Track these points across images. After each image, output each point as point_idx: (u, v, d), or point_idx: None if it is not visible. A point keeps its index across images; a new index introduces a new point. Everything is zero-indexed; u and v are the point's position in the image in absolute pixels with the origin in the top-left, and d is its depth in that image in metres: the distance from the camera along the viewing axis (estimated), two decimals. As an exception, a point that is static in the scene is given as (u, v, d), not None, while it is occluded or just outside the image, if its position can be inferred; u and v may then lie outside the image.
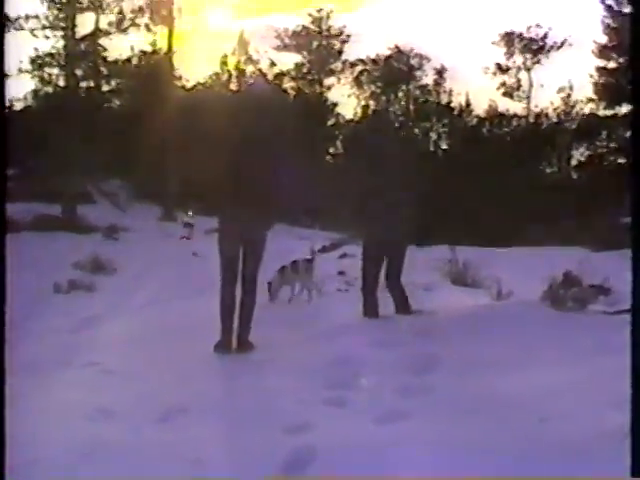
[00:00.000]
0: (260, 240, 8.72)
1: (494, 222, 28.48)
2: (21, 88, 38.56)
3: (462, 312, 9.32)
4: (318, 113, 42.44)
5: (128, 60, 35.86)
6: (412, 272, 11.82)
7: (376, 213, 9.30)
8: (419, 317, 9.17)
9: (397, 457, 4.79)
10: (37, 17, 28.53)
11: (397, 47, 46.71)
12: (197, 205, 27.87)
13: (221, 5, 42.30)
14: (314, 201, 25.98)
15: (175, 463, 5.01)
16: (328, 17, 47.40)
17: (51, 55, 30.96)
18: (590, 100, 42.85)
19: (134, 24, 30.31)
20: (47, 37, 29.30)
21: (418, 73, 46.79)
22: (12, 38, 28.51)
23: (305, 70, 46.55)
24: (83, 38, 29.49)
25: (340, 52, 47.68)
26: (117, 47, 32.98)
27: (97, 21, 30.19)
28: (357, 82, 47.39)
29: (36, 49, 31.23)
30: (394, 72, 46.26)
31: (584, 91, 43.48)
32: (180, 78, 37.82)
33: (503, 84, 45.83)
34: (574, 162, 42.24)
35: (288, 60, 46.50)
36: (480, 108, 44.09)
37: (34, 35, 29.03)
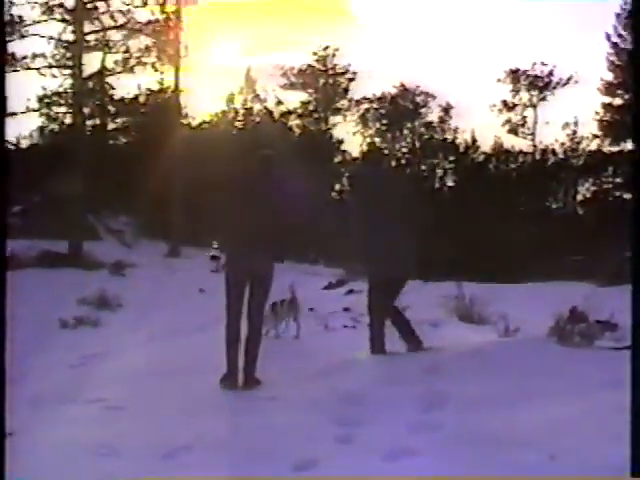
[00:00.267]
0: (268, 276, 8.71)
1: (500, 258, 28.43)
2: (28, 126, 38.89)
3: (469, 348, 9.27)
4: (324, 150, 42.56)
5: (135, 98, 36.05)
6: (419, 308, 11.81)
7: (379, 249, 9.29)
8: (426, 354, 9.14)
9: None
10: (44, 56, 28.71)
11: (403, 85, 46.92)
12: (202, 241, 28.00)
13: (227, 43, 42.59)
14: (319, 237, 25.99)
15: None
16: (334, 55, 47.65)
17: (58, 94, 31.15)
18: (595, 136, 43.00)
19: (141, 63, 30.42)
20: (54, 76, 29.47)
21: (423, 110, 46.93)
22: (19, 77, 28.76)
23: (311, 108, 46.71)
24: (90, 77, 29.66)
25: (346, 90, 47.87)
26: (124, 85, 33.24)
27: (104, 60, 30.42)
28: (363, 120, 47.55)
29: (44, 87, 31.49)
30: (400, 110, 46.42)
31: (589, 127, 43.66)
32: (187, 116, 37.97)
33: (508, 121, 45.92)
34: (580, 197, 42.27)
35: (294, 98, 46.75)
36: (486, 145, 44.20)
37: (41, 74, 29.20)
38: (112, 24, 29.21)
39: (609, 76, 41.30)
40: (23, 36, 27.90)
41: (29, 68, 28.63)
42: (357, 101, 47.67)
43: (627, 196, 35.19)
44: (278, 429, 6.48)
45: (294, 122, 44.79)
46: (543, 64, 45.29)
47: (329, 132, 46.07)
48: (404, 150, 45.97)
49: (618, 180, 38.94)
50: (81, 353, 11.81)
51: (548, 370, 7.59)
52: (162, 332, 13.63)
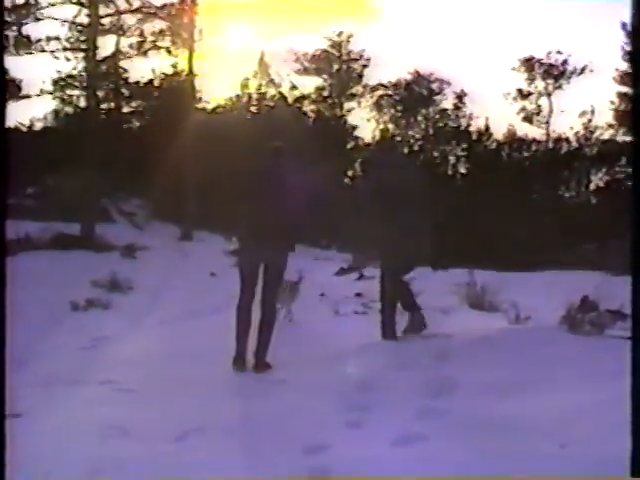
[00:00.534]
0: (281, 263, 8.74)
1: (512, 246, 28.38)
2: (42, 109, 38.94)
3: (479, 335, 9.27)
4: (338, 136, 42.47)
5: (149, 82, 36.01)
6: (430, 295, 11.81)
7: (392, 235, 9.30)
8: (436, 340, 9.15)
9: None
10: (58, 39, 28.67)
11: (417, 72, 46.75)
12: (215, 225, 28.00)
13: (242, 28, 42.52)
14: (332, 223, 25.97)
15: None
16: (348, 41, 47.53)
17: (72, 77, 31.13)
18: (610, 126, 42.81)
19: (155, 47, 30.34)
20: (68, 59, 29.41)
21: (438, 97, 46.77)
22: (34, 60, 28.78)
23: (326, 93, 46.60)
24: (104, 60, 29.58)
25: (360, 76, 47.71)
26: (138, 69, 33.24)
27: (118, 43, 30.29)
28: (377, 106, 47.40)
29: (58, 71, 31.48)
30: (414, 96, 46.27)
31: (604, 117, 43.46)
32: (201, 100, 37.90)
33: (523, 109, 45.73)
34: (593, 187, 42.09)
35: (309, 83, 46.64)
36: (499, 133, 44.03)
37: (55, 57, 29.16)
38: (127, 7, 29.13)
39: (624, 65, 41.11)
40: (38, 19, 27.85)
41: (43, 50, 28.63)
42: (372, 87, 47.53)
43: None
44: (288, 413, 6.50)
45: (308, 108, 44.70)
46: (558, 52, 45.13)
47: (344, 118, 45.96)
48: (417, 137, 45.84)
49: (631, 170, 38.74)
50: (92, 335, 11.84)
51: (558, 358, 7.59)
52: (173, 315, 13.66)
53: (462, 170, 43.56)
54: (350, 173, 42.76)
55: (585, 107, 43.85)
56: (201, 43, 32.91)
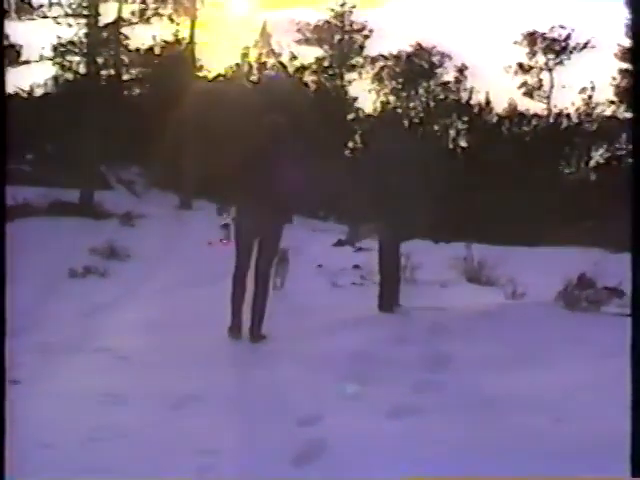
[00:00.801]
0: (276, 235, 8.75)
1: (511, 221, 28.38)
2: (42, 75, 38.77)
3: (476, 310, 9.31)
4: (338, 107, 42.38)
5: (150, 49, 35.86)
6: (429, 268, 11.84)
7: (390, 207, 9.30)
8: (433, 313, 9.17)
9: (407, 452, 4.79)
10: (60, 5, 28.54)
11: (419, 44, 46.55)
12: (213, 195, 27.95)
13: (244, -3, 42.24)
14: (330, 194, 25.95)
15: (187, 452, 5.02)
16: (350, 12, 47.29)
17: (73, 43, 30.99)
18: (611, 102, 42.69)
19: (157, 14, 30.21)
20: (70, 25, 29.29)
21: (439, 70, 46.60)
22: (35, 26, 28.64)
23: (326, 64, 46.43)
24: (105, 26, 29.43)
25: (362, 47, 47.49)
26: (139, 36, 32.98)
27: (120, 10, 30.09)
28: (378, 78, 47.23)
29: (59, 37, 31.32)
30: (415, 69, 46.11)
31: (605, 93, 43.32)
32: (201, 68, 37.76)
33: (524, 84, 45.57)
34: (593, 163, 42.05)
35: (309, 54, 46.43)
36: (500, 107, 43.94)
37: (57, 23, 29.03)
38: (130, -26, 29.11)
39: (627, 42, 40.88)
40: (40, -15, 27.82)
41: (45, 16, 28.51)
42: (372, 59, 47.36)
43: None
44: (283, 384, 6.52)
45: (309, 78, 44.57)
46: (561, 27, 44.96)
47: (344, 89, 45.82)
48: (418, 109, 45.73)
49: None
50: (89, 303, 11.85)
51: (553, 334, 7.62)
52: (170, 283, 13.67)
53: (463, 144, 43.52)
54: (351, 145, 42.70)
55: (586, 83, 43.74)
56: (203, 11, 32.78)
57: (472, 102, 44.39)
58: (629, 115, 39.29)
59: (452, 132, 43.84)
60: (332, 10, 47.13)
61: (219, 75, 41.40)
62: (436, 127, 43.92)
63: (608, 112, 42.80)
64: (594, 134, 41.86)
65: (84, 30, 29.05)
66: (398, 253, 9.67)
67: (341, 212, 29.43)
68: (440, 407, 5.67)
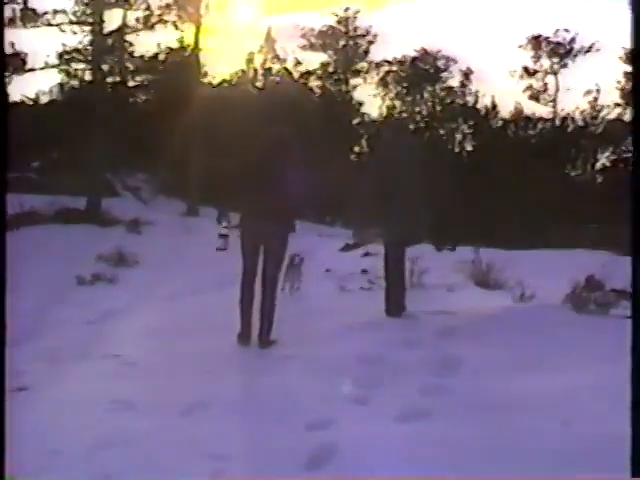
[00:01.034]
0: (280, 241, 8.74)
1: (518, 224, 28.37)
2: (47, 82, 38.85)
3: (484, 313, 9.30)
4: (344, 112, 42.42)
5: (155, 56, 35.88)
6: (435, 272, 11.82)
7: (395, 212, 9.30)
8: (441, 317, 9.16)
9: (416, 455, 4.79)
10: (65, 12, 28.60)
11: (423, 48, 46.60)
12: (217, 202, 27.89)
13: (248, 2, 42.27)
14: (336, 199, 25.93)
15: (197, 457, 5.02)
16: (355, 17, 47.36)
17: (78, 50, 31.03)
18: (617, 105, 42.69)
19: (161, 21, 30.25)
20: (74, 32, 29.33)
21: (444, 75, 46.63)
22: (40, 33, 28.69)
23: (331, 69, 46.47)
24: (110, 34, 29.48)
25: (366, 52, 47.56)
26: (144, 43, 33.03)
27: (124, 17, 30.17)
28: (383, 82, 47.27)
29: (64, 44, 31.37)
30: (420, 73, 46.14)
31: (611, 96, 43.31)
32: (206, 75, 37.81)
33: (530, 87, 45.58)
34: (599, 166, 42.04)
35: (314, 59, 46.48)
36: (506, 110, 43.95)
37: (62, 30, 29.07)
38: (134, -19, 29.16)
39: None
40: (44, -9, 27.92)
41: (50, 24, 28.57)
42: (377, 64, 47.40)
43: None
44: (292, 389, 6.52)
45: (314, 83, 44.62)
46: (566, 31, 44.98)
47: (349, 94, 45.86)
48: (423, 113, 45.75)
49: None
50: (98, 310, 11.87)
51: (562, 337, 7.60)
52: (179, 290, 13.69)
53: (468, 148, 43.53)
54: (357, 149, 42.73)
55: (591, 86, 43.77)
56: (207, 18, 32.81)
57: (478, 106, 44.40)
58: (635, 118, 39.24)
59: (458, 136, 43.87)
60: (336, 15, 47.22)
61: (224, 81, 41.45)
62: (442, 131, 43.95)
63: (613, 115, 42.82)
64: (600, 137, 41.87)
65: (89, 37, 29.10)
66: (403, 257, 9.67)
67: (347, 217, 29.41)
68: (448, 410, 5.67)
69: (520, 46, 46.03)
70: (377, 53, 47.46)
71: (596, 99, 43.50)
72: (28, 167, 28.33)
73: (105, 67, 30.91)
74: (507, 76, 46.21)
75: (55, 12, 28.57)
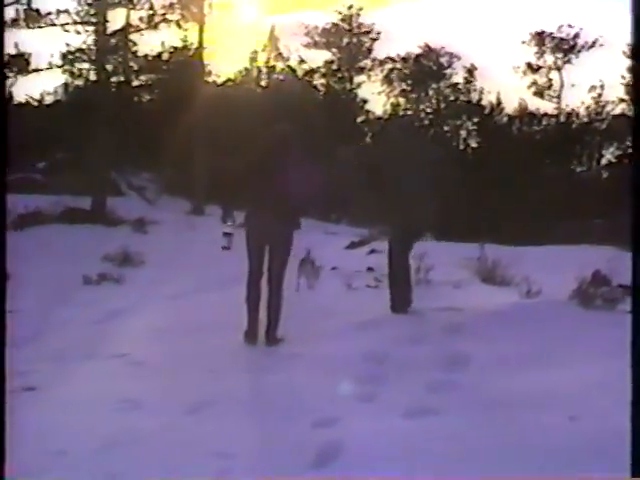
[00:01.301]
0: (285, 239, 8.73)
1: (524, 220, 28.33)
2: (52, 82, 38.92)
3: (490, 310, 9.29)
4: (348, 110, 42.42)
5: (158, 55, 35.89)
6: (441, 269, 11.80)
7: (398, 208, 9.30)
8: (448, 314, 9.16)
9: (423, 451, 4.78)
10: (68, 12, 28.63)
11: (427, 45, 46.59)
12: (221, 200, 27.89)
13: (252, 1, 42.27)
14: (341, 197, 25.92)
15: (204, 455, 5.02)
16: (358, 15, 47.33)
17: (82, 50, 31.07)
18: (622, 100, 42.63)
19: (165, 20, 30.26)
20: (78, 32, 29.37)
21: (448, 71, 46.62)
22: (44, 34, 28.73)
23: (335, 67, 46.46)
24: (114, 33, 29.50)
25: (370, 50, 47.57)
26: (148, 43, 33.07)
27: (128, 17, 30.19)
28: (387, 80, 47.27)
29: (67, 44, 31.40)
30: (424, 70, 46.13)
31: (615, 91, 43.27)
32: (210, 74, 37.82)
33: (534, 83, 45.57)
34: (604, 161, 42.03)
35: (318, 57, 46.49)
36: (510, 107, 43.93)
37: (65, 30, 29.10)
38: (137, -20, 29.17)
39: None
40: (48, -8, 27.99)
41: (53, 24, 28.59)
42: (381, 61, 47.40)
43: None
44: (299, 386, 6.51)
45: (318, 81, 44.62)
46: (569, 27, 44.93)
47: (353, 92, 45.85)
48: (428, 111, 45.75)
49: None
50: (104, 309, 11.88)
51: (569, 333, 7.59)
52: (185, 289, 13.69)
53: (473, 144, 43.52)
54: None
55: (596, 82, 43.73)
56: (211, 17, 32.82)
57: (482, 103, 44.38)
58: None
59: (463, 133, 43.90)
60: (340, 13, 47.22)
61: (228, 80, 41.48)
62: (446, 128, 43.94)
63: (618, 110, 42.77)
64: (605, 132, 41.83)
65: (92, 37, 29.15)
66: (407, 254, 9.66)
67: (352, 214, 29.42)
68: (455, 407, 5.66)
69: (524, 42, 46.07)
70: (381, 50, 47.52)
71: (600, 95, 43.48)
72: (33, 168, 28.39)
73: (109, 67, 30.97)
74: (511, 72, 46.27)
75: (59, 12, 28.61)
